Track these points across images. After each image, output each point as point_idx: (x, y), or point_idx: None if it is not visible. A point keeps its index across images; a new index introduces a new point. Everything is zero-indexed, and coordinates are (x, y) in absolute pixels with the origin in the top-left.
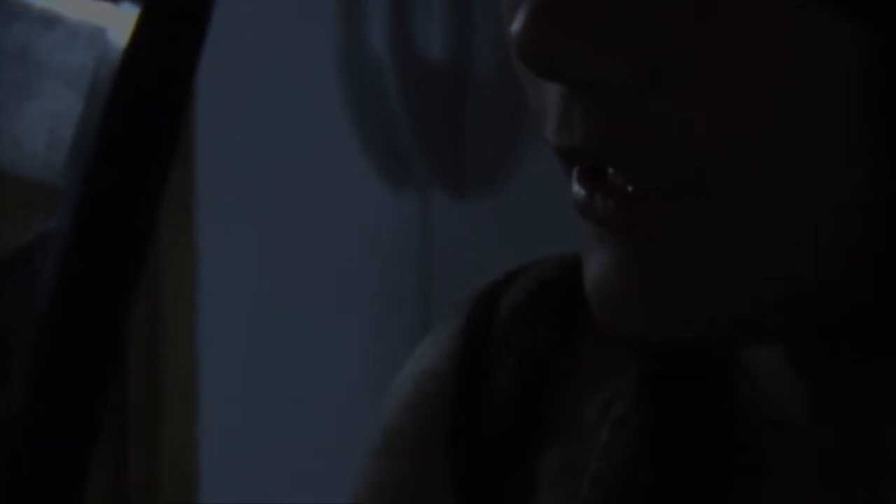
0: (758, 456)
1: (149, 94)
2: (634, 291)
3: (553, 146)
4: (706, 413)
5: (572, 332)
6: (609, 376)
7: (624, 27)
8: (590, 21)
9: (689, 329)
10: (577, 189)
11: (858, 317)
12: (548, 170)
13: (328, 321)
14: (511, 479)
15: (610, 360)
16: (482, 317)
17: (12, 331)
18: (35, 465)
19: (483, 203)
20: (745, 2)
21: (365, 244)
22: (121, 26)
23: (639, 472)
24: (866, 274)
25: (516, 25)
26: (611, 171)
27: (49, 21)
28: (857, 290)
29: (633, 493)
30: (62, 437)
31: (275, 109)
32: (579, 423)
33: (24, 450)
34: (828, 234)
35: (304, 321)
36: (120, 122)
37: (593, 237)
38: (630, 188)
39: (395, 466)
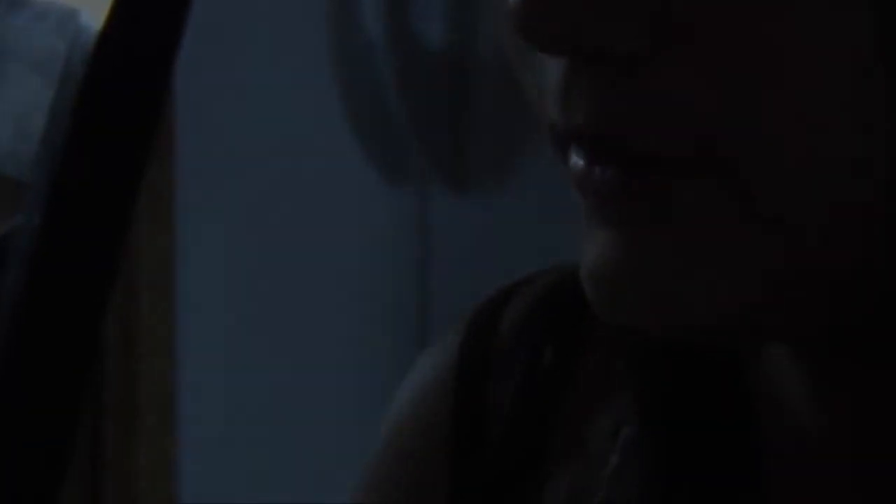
0: (779, 472)
1: (126, 81)
2: (635, 272)
3: (557, 130)
4: (721, 432)
5: (575, 347)
6: (615, 394)
7: (626, 6)
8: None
9: (694, 317)
10: (576, 160)
11: (876, 315)
12: (551, 165)
13: (322, 318)
14: (516, 493)
15: (615, 377)
16: (482, 332)
17: None
18: (10, 467)
19: (484, 199)
20: None
21: (361, 240)
22: (95, 8)
23: (653, 499)
24: (881, 266)
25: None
26: (612, 152)
27: (14, 2)
28: (873, 282)
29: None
30: (34, 443)
31: (263, 100)
32: (585, 444)
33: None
34: (845, 217)
35: (296, 318)
36: (95, 112)
37: (592, 218)
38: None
39: (393, 487)
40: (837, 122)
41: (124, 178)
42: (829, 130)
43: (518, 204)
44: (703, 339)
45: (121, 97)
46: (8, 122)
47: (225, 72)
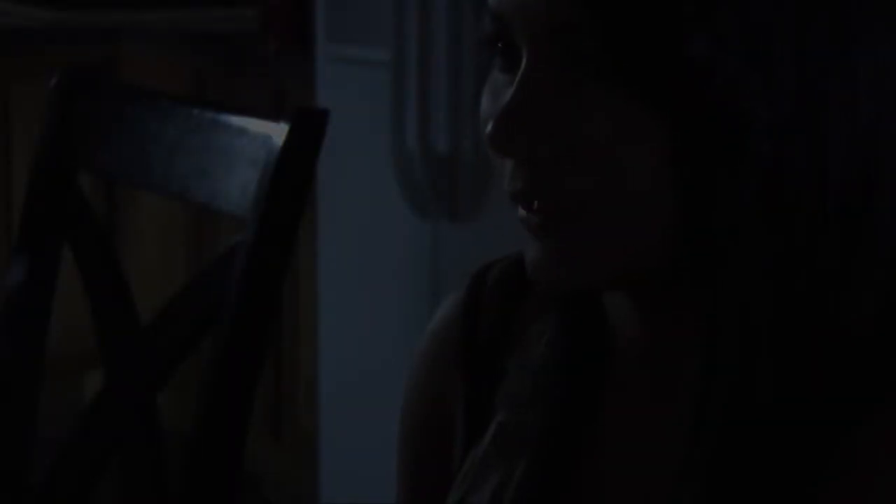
0: (617, 354)
1: (293, 169)
2: (552, 266)
3: (508, 191)
4: (591, 332)
5: (526, 293)
6: (544, 316)
7: (541, 132)
8: (523, 129)
9: (578, 284)
10: (520, 211)
11: (666, 277)
12: (509, 208)
13: (375, 301)
14: (492, 367)
15: (545, 308)
16: (477, 285)
17: (222, 295)
18: (231, 380)
19: (469, 226)
20: (597, 112)
21: (401, 254)
22: (278, 135)
23: (558, 362)
24: (670, 253)
25: (487, 132)
26: (536, 203)
27: (243, 130)
28: (665, 262)
29: (557, 373)
30: (248, 362)
31: (354, 175)
32: (530, 339)
33: (225, 368)
34: (649, 233)
35: (363, 301)
36: (278, 184)
37: (529, 237)
38: (548, 213)
39: (426, 368)
40: (647, 188)
41: (293, 218)
42: (643, 192)
43: (489, 229)
44: (582, 291)
45: (292, 175)
46: (239, 188)
47: (333, 167)
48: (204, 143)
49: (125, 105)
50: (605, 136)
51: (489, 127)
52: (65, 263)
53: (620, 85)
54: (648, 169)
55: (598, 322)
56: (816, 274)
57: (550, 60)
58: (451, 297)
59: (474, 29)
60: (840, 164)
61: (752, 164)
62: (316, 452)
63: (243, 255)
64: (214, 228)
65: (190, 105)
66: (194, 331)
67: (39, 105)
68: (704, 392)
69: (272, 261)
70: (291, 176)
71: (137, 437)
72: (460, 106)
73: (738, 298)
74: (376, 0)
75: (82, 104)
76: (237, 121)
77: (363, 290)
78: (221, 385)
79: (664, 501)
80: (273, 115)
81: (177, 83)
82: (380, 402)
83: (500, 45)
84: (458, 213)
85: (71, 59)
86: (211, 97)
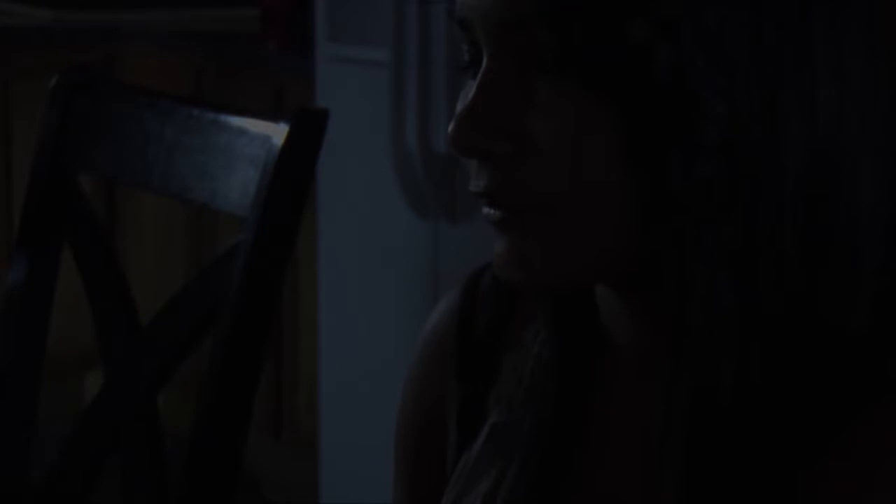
0: (609, 355)
1: (293, 169)
2: (514, 263)
3: (472, 191)
4: (583, 333)
5: (518, 295)
6: (536, 316)
7: (500, 130)
8: (480, 128)
9: (542, 281)
10: (483, 208)
11: (643, 272)
12: None
13: (377, 298)
14: (486, 369)
15: (539, 309)
16: (471, 287)
17: (222, 295)
18: (230, 379)
19: (467, 225)
20: (552, 107)
21: (401, 254)
22: (278, 135)
23: (551, 364)
24: (636, 250)
25: (449, 131)
26: (498, 200)
27: (243, 130)
28: (633, 259)
29: (550, 374)
30: (248, 361)
31: (355, 174)
32: (524, 341)
33: (225, 368)
34: (610, 228)
35: (364, 294)
36: (278, 185)
37: (494, 234)
38: (510, 209)
39: (421, 371)
40: (607, 180)
41: (292, 217)
42: (603, 184)
43: (489, 229)
44: (559, 289)
45: (290, 177)
46: (239, 188)
47: (335, 167)
48: (204, 143)
49: (125, 105)
50: (560, 131)
51: (450, 128)
52: (65, 263)
53: (573, 78)
54: (605, 161)
55: (590, 323)
56: (783, 270)
57: (507, 59)
58: (443, 300)
59: None
60: (798, 154)
61: (704, 154)
62: (316, 452)
63: (243, 254)
64: (214, 228)
65: (190, 105)
66: (194, 331)
67: (39, 105)
68: (670, 392)
69: (272, 261)
70: (291, 176)
71: (137, 437)
72: None
73: (699, 295)
74: (376, 0)
75: (82, 104)
76: (237, 121)
77: (363, 289)
78: (221, 385)
79: (656, 501)
80: (273, 115)
81: (177, 83)
82: (380, 402)
83: (469, 49)
84: (458, 213)
85: (71, 59)
86: (211, 97)
